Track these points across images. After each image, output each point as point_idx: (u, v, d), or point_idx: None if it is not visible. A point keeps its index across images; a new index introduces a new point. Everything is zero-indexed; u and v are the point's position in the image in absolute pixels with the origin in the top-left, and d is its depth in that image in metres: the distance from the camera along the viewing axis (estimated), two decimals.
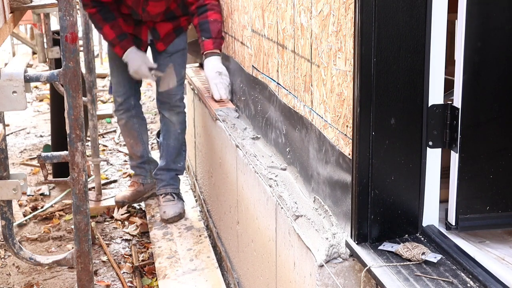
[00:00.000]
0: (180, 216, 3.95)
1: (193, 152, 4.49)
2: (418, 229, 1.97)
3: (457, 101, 1.86)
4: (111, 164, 5.38)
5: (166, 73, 3.88)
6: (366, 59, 1.83)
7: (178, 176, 4.09)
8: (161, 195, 4.01)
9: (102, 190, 4.60)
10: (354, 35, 1.86)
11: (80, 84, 1.85)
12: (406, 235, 1.97)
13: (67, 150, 1.90)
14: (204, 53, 3.67)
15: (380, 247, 1.92)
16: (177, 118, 3.98)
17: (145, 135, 4.20)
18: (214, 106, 3.59)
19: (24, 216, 4.32)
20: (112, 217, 4.32)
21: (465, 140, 1.87)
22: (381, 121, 1.87)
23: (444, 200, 1.97)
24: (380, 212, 1.93)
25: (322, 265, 1.98)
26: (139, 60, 3.77)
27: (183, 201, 4.10)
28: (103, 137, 6.11)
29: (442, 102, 1.90)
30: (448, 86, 1.94)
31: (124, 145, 5.69)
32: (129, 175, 5.04)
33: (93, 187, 4.57)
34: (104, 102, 7.32)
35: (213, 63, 3.63)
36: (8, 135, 6.10)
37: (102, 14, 3.74)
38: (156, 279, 3.40)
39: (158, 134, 5.29)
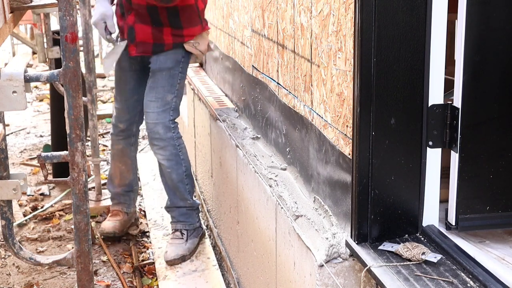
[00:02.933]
0: (183, 259, 3.44)
1: (193, 152, 4.49)
2: (418, 229, 1.97)
3: (457, 101, 1.86)
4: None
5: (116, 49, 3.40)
6: (366, 59, 1.83)
7: (192, 210, 3.56)
8: (171, 231, 3.62)
9: (102, 190, 4.59)
10: (354, 35, 1.86)
11: (80, 84, 1.84)
12: (406, 235, 1.97)
13: (67, 150, 1.89)
14: None
15: (380, 247, 1.92)
16: (163, 155, 3.42)
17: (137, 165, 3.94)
18: (214, 106, 3.59)
19: (24, 216, 4.32)
20: None
21: (465, 140, 1.87)
22: (381, 121, 1.87)
23: (444, 200, 1.97)
24: (380, 212, 1.93)
25: (322, 265, 1.98)
26: (99, 15, 3.33)
27: (198, 237, 3.58)
28: (103, 137, 6.10)
29: (442, 102, 1.90)
30: (448, 86, 1.94)
31: None
32: None
33: (93, 187, 4.56)
34: (104, 102, 7.32)
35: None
36: (8, 135, 6.10)
37: None
38: (156, 279, 3.40)
39: None
